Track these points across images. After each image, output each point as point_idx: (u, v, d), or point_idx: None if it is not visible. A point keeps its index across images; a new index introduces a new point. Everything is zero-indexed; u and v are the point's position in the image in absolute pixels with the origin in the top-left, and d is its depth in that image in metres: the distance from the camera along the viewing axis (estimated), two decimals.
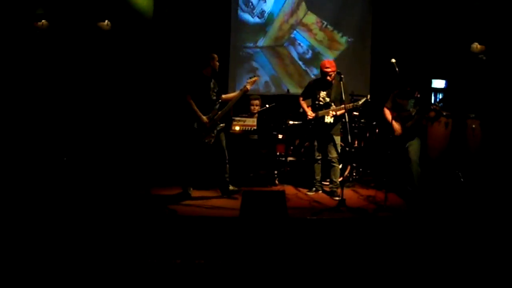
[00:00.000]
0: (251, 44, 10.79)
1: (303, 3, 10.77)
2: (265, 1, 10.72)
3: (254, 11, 10.74)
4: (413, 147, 7.72)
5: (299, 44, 10.85)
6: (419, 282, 4.71)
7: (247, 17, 10.74)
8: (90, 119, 9.09)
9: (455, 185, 8.14)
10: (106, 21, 9.22)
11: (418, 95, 7.67)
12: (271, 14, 10.75)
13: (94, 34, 9.25)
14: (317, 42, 10.89)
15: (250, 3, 10.70)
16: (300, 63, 10.89)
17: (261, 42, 10.82)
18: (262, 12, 10.73)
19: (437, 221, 6.63)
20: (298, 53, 10.87)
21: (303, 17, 10.82)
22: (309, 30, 10.85)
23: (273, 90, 10.78)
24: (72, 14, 9.16)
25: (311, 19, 10.83)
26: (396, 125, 7.71)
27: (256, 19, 10.77)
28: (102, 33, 9.25)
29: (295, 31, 10.83)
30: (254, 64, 10.81)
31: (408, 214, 6.98)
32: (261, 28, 10.81)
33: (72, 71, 9.17)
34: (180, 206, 6.94)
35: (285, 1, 10.77)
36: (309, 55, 10.86)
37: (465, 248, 5.59)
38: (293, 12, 10.81)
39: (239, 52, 10.81)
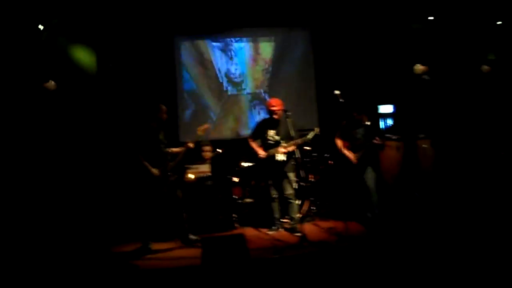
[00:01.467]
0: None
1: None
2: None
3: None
4: (369, 175, 7.84)
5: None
6: None
7: None
8: (45, 178, 8.93)
9: (413, 206, 8.24)
10: (51, 81, 9.16)
11: (367, 122, 7.81)
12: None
13: (40, 95, 9.17)
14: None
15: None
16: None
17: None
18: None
19: (400, 244, 6.68)
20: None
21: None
22: None
23: (222, 134, 10.85)
24: (18, 76, 9.08)
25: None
26: (349, 154, 7.82)
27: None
28: (48, 93, 9.18)
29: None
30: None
31: (369, 241, 7.01)
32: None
33: (20, 133, 9.03)
34: (141, 261, 6.81)
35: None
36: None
37: (430, 268, 5.63)
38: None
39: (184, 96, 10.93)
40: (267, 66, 11.17)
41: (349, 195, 8.26)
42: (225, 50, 11.07)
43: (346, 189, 8.16)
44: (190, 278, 5.83)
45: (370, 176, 7.86)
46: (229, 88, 11.04)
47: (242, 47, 11.14)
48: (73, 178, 9.12)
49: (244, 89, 11.08)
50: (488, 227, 6.99)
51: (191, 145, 7.43)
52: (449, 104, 9.74)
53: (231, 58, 11.04)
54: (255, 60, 11.17)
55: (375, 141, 7.69)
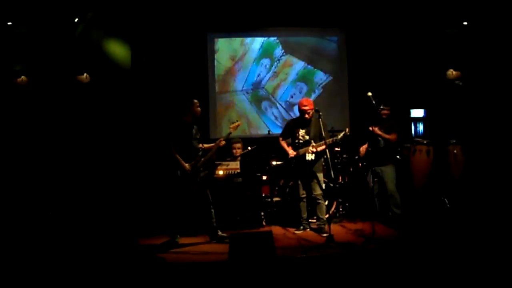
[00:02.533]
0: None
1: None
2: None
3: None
4: (388, 176, 7.91)
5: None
6: None
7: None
8: (75, 171, 9.07)
9: (442, 212, 8.18)
10: (85, 74, 9.29)
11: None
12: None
13: (73, 87, 9.31)
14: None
15: None
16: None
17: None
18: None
19: (427, 248, 6.64)
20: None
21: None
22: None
23: (254, 132, 10.92)
24: (51, 69, 9.23)
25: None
26: (361, 148, 8.04)
27: None
28: (81, 86, 9.31)
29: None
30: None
31: (397, 244, 6.99)
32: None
33: (53, 125, 9.18)
34: (168, 254, 6.87)
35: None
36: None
37: (456, 274, 5.59)
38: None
39: (220, 96, 11.01)
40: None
41: (370, 197, 8.27)
42: (258, 58, 11.20)
43: (371, 191, 8.14)
44: (216, 273, 5.86)
45: (389, 177, 7.98)
46: (260, 91, 11.15)
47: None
48: (105, 170, 9.24)
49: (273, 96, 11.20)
50: None
51: (222, 142, 7.48)
52: (481, 110, 9.64)
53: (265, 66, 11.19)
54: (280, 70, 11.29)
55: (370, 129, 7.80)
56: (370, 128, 7.97)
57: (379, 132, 7.98)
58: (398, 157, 8.42)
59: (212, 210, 7.45)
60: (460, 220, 7.80)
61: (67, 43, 9.22)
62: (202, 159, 7.34)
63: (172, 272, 6.17)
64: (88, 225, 8.21)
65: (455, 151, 8.36)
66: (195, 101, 7.42)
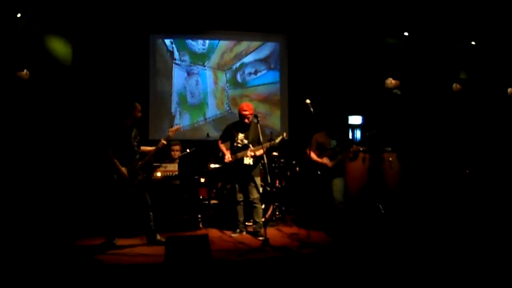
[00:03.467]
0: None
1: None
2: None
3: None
4: (337, 186, 7.98)
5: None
6: None
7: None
8: (11, 170, 8.88)
9: (376, 217, 8.39)
10: (25, 70, 9.14)
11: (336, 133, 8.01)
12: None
13: (13, 84, 9.14)
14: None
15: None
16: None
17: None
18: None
19: (361, 254, 6.82)
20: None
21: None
22: None
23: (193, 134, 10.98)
24: None
25: None
26: (325, 160, 7.97)
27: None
28: (21, 82, 9.15)
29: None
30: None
31: (331, 249, 7.15)
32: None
33: None
34: (105, 256, 6.80)
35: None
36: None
37: (390, 277, 5.78)
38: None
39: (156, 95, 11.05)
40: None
41: (314, 203, 8.40)
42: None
43: (311, 197, 8.27)
44: (153, 275, 5.89)
45: (338, 187, 7.99)
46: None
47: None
48: (42, 169, 9.10)
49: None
50: (450, 240, 7.19)
51: (164, 142, 7.44)
52: (418, 119, 9.94)
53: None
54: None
55: (353, 149, 7.86)
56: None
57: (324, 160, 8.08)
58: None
59: (151, 213, 7.42)
60: (393, 225, 8.03)
61: (8, 38, 9.04)
62: (140, 162, 7.30)
63: (109, 273, 6.14)
64: (24, 225, 8.06)
65: (390, 159, 8.57)
66: (138, 105, 7.35)
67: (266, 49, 11.57)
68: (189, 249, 5.60)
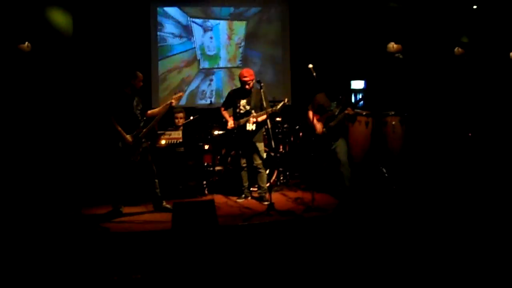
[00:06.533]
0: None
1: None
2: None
3: None
4: (340, 148, 8.00)
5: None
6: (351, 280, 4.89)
7: None
8: (17, 142, 8.91)
9: (380, 181, 8.43)
10: (26, 42, 9.12)
11: (340, 97, 7.98)
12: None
13: (15, 56, 9.12)
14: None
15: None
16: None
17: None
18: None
19: (367, 218, 6.88)
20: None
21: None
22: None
23: (197, 102, 11.02)
24: None
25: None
26: (317, 125, 7.98)
27: None
28: (23, 55, 9.14)
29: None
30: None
31: (337, 212, 7.21)
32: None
33: None
34: (112, 224, 6.90)
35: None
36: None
37: (395, 245, 5.80)
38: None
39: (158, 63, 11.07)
40: (240, 40, 11.39)
41: (319, 167, 8.45)
42: (202, 25, 11.21)
43: (315, 160, 8.31)
44: (160, 242, 5.97)
45: (341, 149, 8.01)
46: (202, 61, 11.27)
47: (218, 23, 11.30)
48: (47, 140, 9.13)
49: (217, 63, 11.33)
50: (452, 204, 7.24)
51: (173, 101, 7.42)
52: (420, 84, 9.92)
53: (206, 31, 11.24)
54: (229, 36, 11.39)
55: (347, 112, 7.85)
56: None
57: (316, 124, 8.11)
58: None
59: (156, 181, 7.50)
60: (397, 189, 8.09)
61: (8, 10, 9.00)
62: (145, 129, 7.33)
63: (116, 241, 6.24)
64: (31, 195, 8.13)
65: (393, 123, 8.57)
66: (139, 74, 7.33)
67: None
68: (195, 214, 5.66)
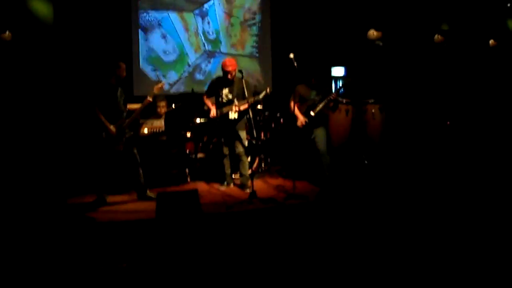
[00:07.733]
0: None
1: None
2: None
3: None
4: (319, 137, 8.14)
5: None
6: (332, 267, 4.99)
7: None
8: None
9: (360, 168, 8.57)
10: (7, 32, 9.09)
11: (314, 82, 8.11)
12: None
13: None
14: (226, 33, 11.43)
15: None
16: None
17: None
18: None
19: (347, 205, 7.03)
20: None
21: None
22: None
23: (180, 89, 11.08)
24: None
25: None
26: (300, 117, 8.10)
27: None
28: (3, 44, 9.11)
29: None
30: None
31: (318, 200, 7.37)
32: None
33: None
34: (97, 213, 6.98)
35: None
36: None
37: (375, 232, 5.96)
38: None
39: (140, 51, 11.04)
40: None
41: (299, 155, 8.59)
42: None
43: (296, 148, 8.45)
44: (145, 231, 6.04)
45: (320, 138, 8.15)
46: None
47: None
48: (30, 130, 9.13)
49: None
50: (431, 192, 7.41)
51: (150, 99, 7.45)
52: (400, 71, 10.05)
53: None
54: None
55: (331, 97, 7.98)
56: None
57: (298, 115, 8.24)
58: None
59: (140, 170, 7.57)
60: (376, 176, 8.24)
61: None
62: (127, 120, 7.38)
63: (102, 231, 6.32)
64: (15, 186, 8.16)
65: (373, 110, 8.68)
66: (122, 64, 7.38)
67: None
68: (179, 203, 5.78)
